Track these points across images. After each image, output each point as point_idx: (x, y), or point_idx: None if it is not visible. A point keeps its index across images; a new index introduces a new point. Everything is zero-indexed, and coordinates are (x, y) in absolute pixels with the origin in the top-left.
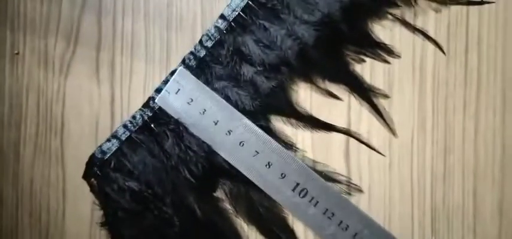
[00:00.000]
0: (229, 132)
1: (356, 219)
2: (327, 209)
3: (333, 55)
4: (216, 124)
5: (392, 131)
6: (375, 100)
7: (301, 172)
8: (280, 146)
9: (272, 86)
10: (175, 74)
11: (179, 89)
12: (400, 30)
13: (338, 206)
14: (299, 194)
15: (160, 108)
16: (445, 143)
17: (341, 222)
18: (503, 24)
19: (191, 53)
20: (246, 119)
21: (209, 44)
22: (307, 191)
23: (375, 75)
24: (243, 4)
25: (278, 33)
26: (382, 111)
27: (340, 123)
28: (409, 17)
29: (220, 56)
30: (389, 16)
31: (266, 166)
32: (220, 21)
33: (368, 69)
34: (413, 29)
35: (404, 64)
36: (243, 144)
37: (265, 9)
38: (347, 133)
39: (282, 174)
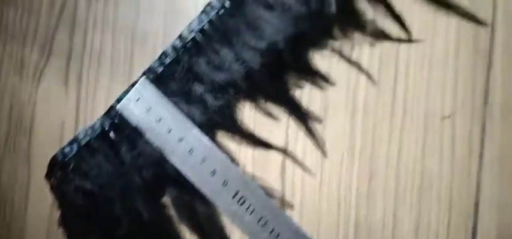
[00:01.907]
0: (181, 140)
1: (286, 228)
2: (261, 218)
3: (275, 80)
4: (169, 131)
5: (323, 152)
6: (310, 123)
7: (242, 181)
8: (224, 156)
9: (220, 104)
10: (138, 84)
11: (139, 98)
12: (337, 61)
13: (271, 215)
14: (238, 202)
15: (118, 117)
16: (370, 167)
17: (273, 230)
18: (429, 61)
19: (150, 68)
20: (196, 129)
21: (166, 61)
22: (245, 200)
23: (312, 100)
24: (199, 27)
25: (228, 56)
26: (316, 134)
27: (279, 142)
28: (346, 48)
29: (175, 73)
30: (329, 47)
31: (211, 173)
32: (177, 41)
33: (306, 94)
34: (349, 60)
35: (339, 92)
36: (192, 152)
37: (218, 33)
38: (284, 152)
39: (224, 181)
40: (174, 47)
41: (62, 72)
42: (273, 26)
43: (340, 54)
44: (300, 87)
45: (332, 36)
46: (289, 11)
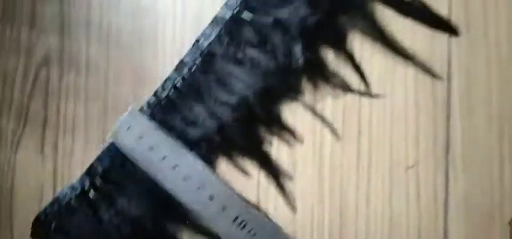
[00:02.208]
0: (175, 167)
1: None
2: None
3: (248, 134)
4: (163, 159)
5: (293, 208)
6: (281, 179)
7: (241, 206)
8: (221, 181)
9: None
10: (127, 113)
11: (130, 126)
12: (303, 116)
13: (274, 237)
14: (239, 226)
15: (97, 177)
16: (340, 218)
17: None
18: (390, 113)
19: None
20: (191, 155)
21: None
22: (245, 224)
23: (280, 155)
24: (171, 85)
25: (201, 112)
26: (287, 190)
27: (252, 197)
28: (312, 102)
29: None
30: (297, 101)
31: (209, 198)
32: (152, 98)
33: (275, 150)
34: (314, 113)
35: (306, 146)
36: (187, 179)
37: (191, 89)
38: (257, 208)
39: (223, 207)
40: (149, 104)
41: (38, 140)
42: (242, 81)
43: (307, 107)
44: (270, 142)
45: (300, 90)
46: (258, 66)
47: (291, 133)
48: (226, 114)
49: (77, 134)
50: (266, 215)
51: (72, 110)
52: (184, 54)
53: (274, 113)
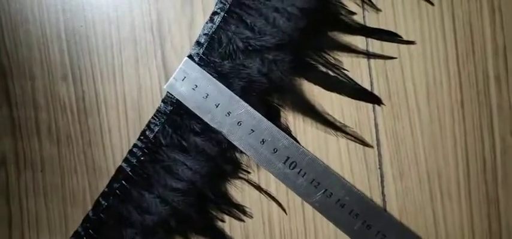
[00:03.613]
0: (229, 113)
1: (339, 187)
2: (313, 179)
3: (200, 215)
4: (217, 106)
5: None
6: None
7: (291, 148)
8: (272, 125)
9: None
10: (182, 64)
11: (185, 77)
12: (249, 191)
13: (323, 176)
14: (289, 167)
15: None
16: None
17: (326, 190)
18: None
19: (87, 218)
20: (243, 102)
21: (100, 209)
22: (296, 164)
23: (234, 229)
24: (123, 175)
25: (152, 199)
26: None
27: None
28: (255, 179)
29: (107, 222)
30: (241, 179)
31: (260, 142)
32: (106, 189)
33: (227, 226)
34: (259, 189)
35: (255, 220)
36: (241, 123)
37: (141, 178)
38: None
39: (274, 149)
40: (103, 195)
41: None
42: (189, 168)
43: (252, 184)
44: (222, 220)
45: (243, 169)
46: (202, 153)
47: (241, 209)
48: (177, 199)
49: (41, 228)
50: (314, 156)
51: (33, 206)
52: (131, 145)
53: (223, 193)
